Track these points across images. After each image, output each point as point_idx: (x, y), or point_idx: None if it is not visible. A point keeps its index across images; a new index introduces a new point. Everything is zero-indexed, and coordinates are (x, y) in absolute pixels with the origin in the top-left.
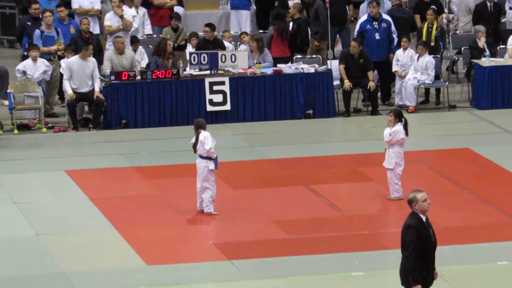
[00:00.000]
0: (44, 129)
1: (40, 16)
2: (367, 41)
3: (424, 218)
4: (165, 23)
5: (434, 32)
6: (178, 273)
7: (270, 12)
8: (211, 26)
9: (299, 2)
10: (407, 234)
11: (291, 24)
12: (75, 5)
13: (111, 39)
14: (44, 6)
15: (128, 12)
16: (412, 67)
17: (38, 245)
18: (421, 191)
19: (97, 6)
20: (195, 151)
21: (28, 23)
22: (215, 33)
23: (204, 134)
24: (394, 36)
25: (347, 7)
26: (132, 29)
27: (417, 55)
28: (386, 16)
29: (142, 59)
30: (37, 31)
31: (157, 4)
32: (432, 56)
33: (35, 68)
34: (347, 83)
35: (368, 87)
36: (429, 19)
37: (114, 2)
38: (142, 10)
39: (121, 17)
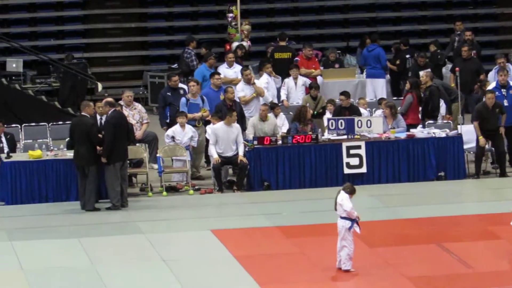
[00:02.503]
0: (191, 191)
1: (180, 86)
2: None
3: None
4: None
5: None
6: None
7: (401, 82)
8: (346, 94)
9: (430, 70)
10: None
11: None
12: (221, 75)
13: (247, 107)
14: (204, 72)
15: (261, 79)
16: None
17: None
18: None
19: (240, 76)
20: (335, 209)
21: (168, 93)
22: (351, 100)
23: (341, 196)
24: None
25: (478, 76)
26: (266, 92)
27: None
28: None
29: (283, 124)
30: (183, 99)
31: (304, 73)
32: None
33: (183, 133)
34: (482, 140)
35: (499, 131)
36: None
37: (246, 75)
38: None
39: (253, 85)
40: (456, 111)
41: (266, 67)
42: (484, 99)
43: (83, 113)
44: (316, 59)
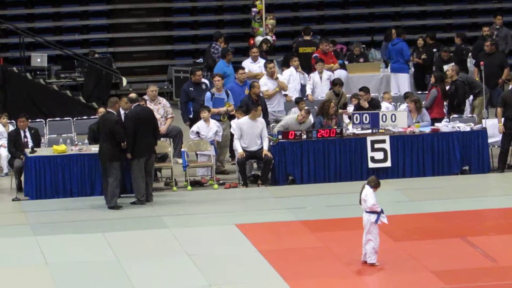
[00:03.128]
0: (216, 186)
1: (203, 80)
2: None
3: None
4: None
5: None
6: None
7: (426, 76)
8: (365, 89)
9: (454, 64)
10: None
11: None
12: (245, 69)
13: (269, 101)
14: (223, 68)
15: (285, 72)
16: None
17: None
18: None
19: (264, 70)
20: (360, 203)
21: (190, 88)
22: (375, 94)
23: (366, 191)
24: None
25: (502, 70)
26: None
27: None
28: None
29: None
30: (208, 94)
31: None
32: None
33: (208, 128)
34: (501, 127)
35: None
36: None
37: (270, 68)
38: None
39: (276, 79)
40: (480, 106)
41: (293, 61)
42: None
43: (109, 110)
44: (333, 54)
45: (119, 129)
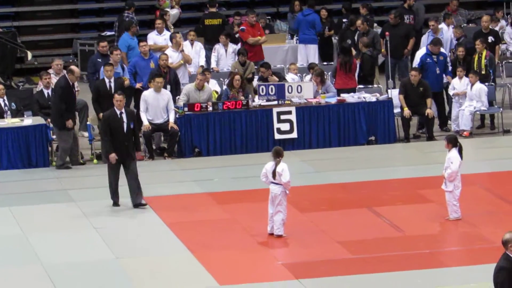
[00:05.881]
0: None
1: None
2: (427, 74)
3: None
4: (259, 58)
5: (483, 61)
6: None
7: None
8: (265, 65)
9: (366, 38)
10: (498, 276)
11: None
12: (150, 41)
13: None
14: (127, 41)
15: (188, 46)
16: (468, 96)
17: (117, 268)
18: None
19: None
20: (274, 178)
21: (98, 60)
22: (281, 65)
23: (282, 166)
24: (449, 66)
25: (408, 40)
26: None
27: (470, 83)
28: (442, 50)
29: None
30: (103, 68)
31: (252, 43)
32: (487, 84)
33: None
34: (407, 111)
35: (426, 114)
36: (478, 49)
37: (175, 39)
38: (198, 45)
39: (182, 52)
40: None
41: (189, 34)
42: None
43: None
44: (261, 26)
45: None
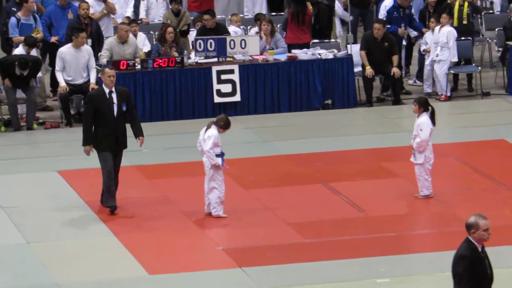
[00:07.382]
0: (35, 125)
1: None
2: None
3: (480, 248)
4: (207, 7)
5: (466, 9)
6: (183, 283)
7: None
8: (211, 13)
9: None
10: (457, 265)
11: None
12: None
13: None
14: None
15: None
16: (433, 42)
17: (29, 254)
18: (484, 218)
19: None
20: None
21: (13, 8)
22: (222, 16)
23: (209, 132)
24: (415, 18)
25: None
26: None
27: (439, 26)
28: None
29: (144, 45)
30: (13, 19)
31: None
32: (464, 38)
33: None
34: (369, 70)
35: (392, 73)
36: None
37: None
38: None
39: (105, 1)
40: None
41: None
42: None
43: None
44: None
45: None
